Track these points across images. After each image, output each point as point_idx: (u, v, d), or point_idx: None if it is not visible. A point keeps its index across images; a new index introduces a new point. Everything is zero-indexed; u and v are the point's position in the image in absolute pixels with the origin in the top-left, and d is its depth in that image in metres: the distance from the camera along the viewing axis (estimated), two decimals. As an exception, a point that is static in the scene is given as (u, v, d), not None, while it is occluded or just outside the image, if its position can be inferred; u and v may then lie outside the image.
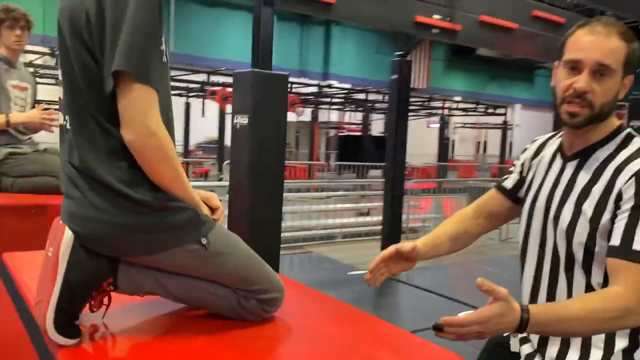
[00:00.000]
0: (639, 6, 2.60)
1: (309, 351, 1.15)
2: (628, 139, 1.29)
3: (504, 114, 16.99)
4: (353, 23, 13.44)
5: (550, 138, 1.49)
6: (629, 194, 1.19)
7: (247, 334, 1.16)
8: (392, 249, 1.33)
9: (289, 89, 5.70)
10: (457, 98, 22.83)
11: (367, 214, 9.96)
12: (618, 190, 1.22)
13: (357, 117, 19.11)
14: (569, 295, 1.31)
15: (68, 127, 1.11)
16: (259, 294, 1.18)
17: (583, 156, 1.31)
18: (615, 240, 1.20)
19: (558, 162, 1.38)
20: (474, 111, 17.16)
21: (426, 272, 6.02)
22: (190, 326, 1.19)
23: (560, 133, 1.43)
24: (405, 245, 1.29)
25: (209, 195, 1.28)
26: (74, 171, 1.07)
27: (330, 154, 18.67)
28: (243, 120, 2.43)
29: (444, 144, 17.41)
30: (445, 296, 5.03)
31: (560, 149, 1.39)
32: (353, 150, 14.88)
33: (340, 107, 17.25)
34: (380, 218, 8.84)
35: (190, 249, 1.10)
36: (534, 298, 1.39)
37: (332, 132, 20.25)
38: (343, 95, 15.83)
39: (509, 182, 1.52)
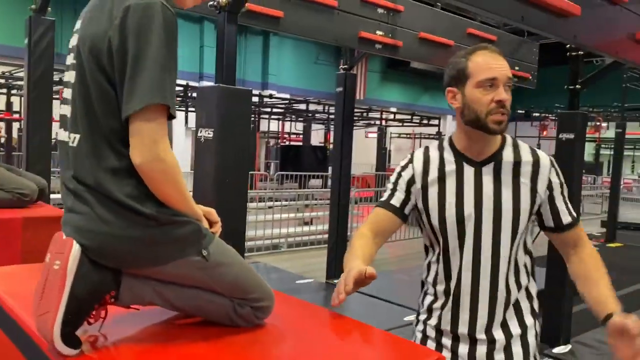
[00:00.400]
0: (566, 30, 2.87)
1: (305, 351, 1.23)
2: (514, 141, 1.61)
3: (438, 125, 17.65)
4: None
5: (428, 152, 1.63)
6: (555, 180, 1.57)
7: (243, 338, 1.23)
8: (360, 272, 1.33)
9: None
10: (393, 109, 23.48)
11: (310, 223, 10.09)
12: (547, 180, 1.56)
13: (298, 127, 19.27)
14: (508, 290, 1.54)
15: (72, 144, 1.15)
16: (254, 302, 1.26)
17: (495, 159, 1.55)
18: (566, 217, 1.59)
19: (469, 169, 1.55)
20: (410, 122, 17.72)
21: (371, 279, 6.20)
22: (186, 333, 1.25)
23: (436, 145, 1.63)
24: (367, 268, 1.34)
25: (209, 210, 1.36)
26: (81, 187, 1.11)
27: (270, 163, 18.70)
28: (208, 134, 2.48)
29: (382, 154, 17.85)
30: (391, 302, 5.21)
31: (463, 158, 1.56)
32: (294, 160, 15.01)
33: (280, 117, 17.34)
34: (323, 227, 9.01)
35: (193, 260, 1.16)
36: (474, 297, 1.53)
37: (272, 142, 20.29)
38: (284, 106, 15.93)
39: (396, 201, 1.60)
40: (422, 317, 1.65)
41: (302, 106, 16.29)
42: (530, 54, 7.23)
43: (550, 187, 1.56)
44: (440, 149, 1.62)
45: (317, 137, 19.93)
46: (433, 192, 1.57)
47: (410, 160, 1.63)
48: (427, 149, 1.65)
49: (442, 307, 1.58)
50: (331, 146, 19.30)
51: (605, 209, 12.47)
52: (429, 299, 1.63)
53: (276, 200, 10.15)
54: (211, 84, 2.96)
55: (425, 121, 17.47)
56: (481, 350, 1.54)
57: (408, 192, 1.60)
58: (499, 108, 1.47)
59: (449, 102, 1.58)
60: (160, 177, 1.10)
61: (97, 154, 1.11)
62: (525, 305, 1.59)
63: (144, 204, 1.10)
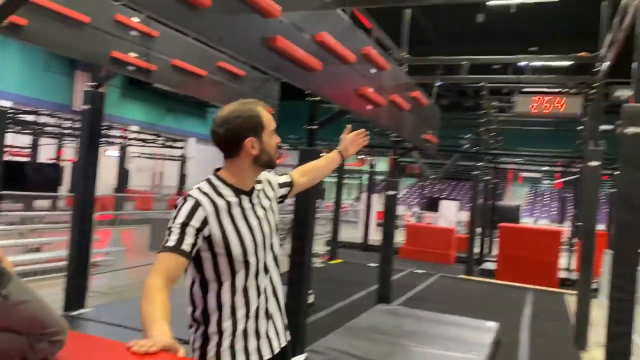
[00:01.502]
0: (311, 81, 3.35)
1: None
2: None
3: (183, 148, 17.70)
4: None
5: (208, 193, 1.76)
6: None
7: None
8: (170, 351, 1.37)
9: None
10: (135, 128, 22.65)
11: (38, 250, 9.07)
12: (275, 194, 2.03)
13: (23, 140, 17.05)
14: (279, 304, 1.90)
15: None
16: (51, 337, 1.24)
17: (256, 190, 1.90)
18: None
19: (246, 201, 1.85)
20: (154, 143, 17.36)
21: (113, 308, 5.93)
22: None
23: (206, 184, 1.80)
24: (177, 349, 1.37)
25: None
26: None
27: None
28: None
29: (123, 175, 17.03)
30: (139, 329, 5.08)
31: (237, 191, 1.82)
32: (17, 178, 13.21)
33: None
34: (56, 254, 8.21)
35: None
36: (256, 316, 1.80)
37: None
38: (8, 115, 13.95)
39: (187, 246, 1.64)
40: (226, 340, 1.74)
41: (30, 117, 14.55)
42: (273, 91, 7.95)
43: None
44: (214, 186, 1.81)
45: (45, 152, 17.95)
46: (227, 225, 1.75)
47: (197, 203, 1.72)
48: (201, 189, 1.78)
49: (244, 327, 1.77)
50: (64, 164, 17.62)
51: (328, 230, 14.17)
52: (227, 323, 1.74)
53: (-4, 224, 8.85)
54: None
55: (170, 143, 17.32)
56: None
57: (197, 235, 1.68)
58: (278, 149, 1.93)
59: (247, 150, 1.79)
60: None
61: None
62: None
63: None
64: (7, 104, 16.14)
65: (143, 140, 17.17)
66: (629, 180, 3.84)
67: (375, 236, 16.64)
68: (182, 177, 17.65)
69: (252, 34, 2.79)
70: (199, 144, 31.31)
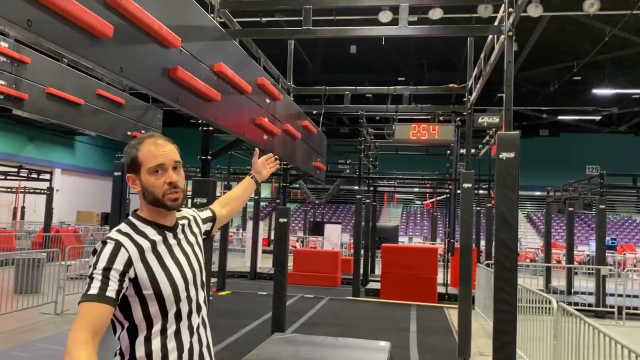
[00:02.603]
0: (210, 112, 3.27)
1: None
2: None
3: (50, 180, 16.31)
4: None
5: (127, 231, 1.68)
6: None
7: None
8: None
9: None
10: (-10, 159, 20.53)
11: None
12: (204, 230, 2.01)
13: None
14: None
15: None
16: None
17: (180, 225, 1.83)
18: None
19: (171, 237, 1.77)
20: (17, 175, 15.81)
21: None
22: None
23: (128, 224, 1.72)
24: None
25: None
26: None
27: None
28: None
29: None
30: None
31: (160, 227, 1.75)
32: None
33: None
34: None
35: None
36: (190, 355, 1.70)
37: None
38: None
39: (111, 292, 1.53)
40: None
41: None
42: (155, 119, 7.67)
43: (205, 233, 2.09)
44: (134, 225, 1.71)
45: None
46: (154, 264, 1.66)
47: (118, 245, 1.61)
48: (121, 230, 1.68)
49: None
50: None
51: (214, 260, 13.81)
52: None
53: None
54: None
55: (34, 175, 15.88)
56: None
57: (122, 279, 1.57)
58: (172, 188, 1.72)
59: (130, 186, 1.76)
60: None
61: None
62: None
63: None
64: None
65: (3, 173, 15.56)
66: (504, 199, 4.24)
67: (264, 264, 16.54)
68: (50, 212, 16.21)
69: (152, 64, 2.69)
70: (65, 174, 29.14)
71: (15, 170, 15.71)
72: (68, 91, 5.68)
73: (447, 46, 17.89)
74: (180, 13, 2.99)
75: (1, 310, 7.75)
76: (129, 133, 6.89)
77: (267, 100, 4.52)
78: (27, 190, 20.92)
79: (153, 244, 1.69)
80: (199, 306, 1.77)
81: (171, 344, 1.65)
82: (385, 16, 6.20)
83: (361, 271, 12.71)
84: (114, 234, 1.66)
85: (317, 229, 22.50)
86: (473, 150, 14.58)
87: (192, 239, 1.86)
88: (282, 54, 7.37)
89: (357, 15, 13.30)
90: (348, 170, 17.70)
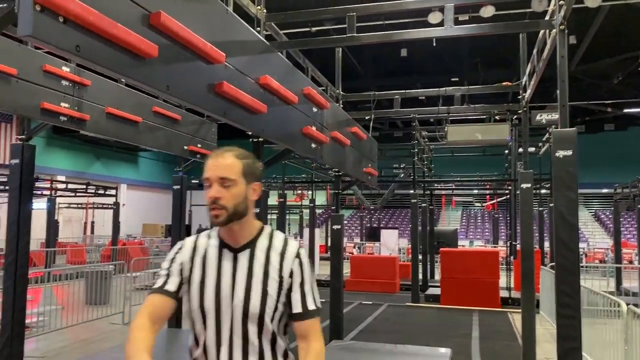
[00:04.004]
0: (256, 124, 3.33)
1: None
2: (272, 231, 1.79)
3: (115, 195, 17.07)
4: None
5: (198, 238, 1.78)
6: (296, 271, 1.70)
7: None
8: None
9: None
10: (62, 177, 21.70)
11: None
12: (290, 270, 1.70)
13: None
14: None
15: None
16: None
17: (251, 247, 1.72)
18: (297, 309, 1.69)
19: (228, 254, 1.72)
20: (85, 192, 16.63)
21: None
22: None
23: (209, 232, 1.80)
24: None
25: None
26: None
27: None
28: None
29: (53, 228, 16.12)
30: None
31: (223, 244, 1.74)
32: None
33: None
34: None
35: None
36: None
37: None
38: None
39: (172, 286, 1.69)
40: None
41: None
42: (211, 133, 7.88)
43: (291, 275, 1.70)
44: (208, 236, 1.77)
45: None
46: (196, 276, 1.70)
47: (182, 246, 1.76)
48: (197, 236, 1.78)
49: None
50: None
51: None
52: None
53: None
54: None
55: (101, 191, 16.66)
56: None
57: (181, 275, 1.72)
58: (212, 204, 1.65)
59: None
60: None
61: None
62: None
63: None
64: None
65: (72, 190, 16.41)
66: (562, 199, 4.07)
67: (322, 271, 16.59)
68: (116, 225, 16.95)
69: (198, 81, 2.77)
70: (130, 190, 30.38)
71: (84, 187, 16.52)
72: (126, 110, 5.93)
73: (502, 43, 17.43)
74: (223, 29, 3.07)
75: (73, 321, 8.16)
76: (185, 147, 7.11)
77: (314, 109, 4.55)
78: (95, 206, 21.98)
79: (205, 257, 1.73)
80: (231, 339, 1.67)
81: (198, 353, 1.72)
82: (435, 17, 6.13)
83: (420, 277, 12.52)
84: (190, 238, 1.79)
85: (373, 235, 22.36)
86: (533, 149, 14.11)
87: (258, 264, 1.71)
88: (334, 63, 7.40)
89: (406, 18, 13.20)
90: (402, 175, 17.51)
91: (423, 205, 13.97)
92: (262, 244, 1.73)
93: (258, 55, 3.52)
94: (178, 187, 8.02)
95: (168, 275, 1.72)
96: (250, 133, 4.51)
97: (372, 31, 5.34)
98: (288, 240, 1.77)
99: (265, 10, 4.85)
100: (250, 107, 3.26)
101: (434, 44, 14.92)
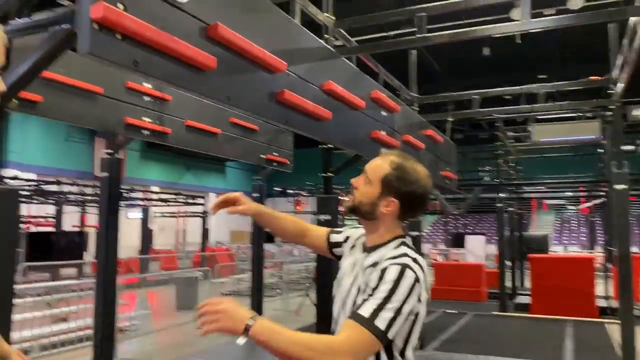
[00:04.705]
0: (321, 130, 3.32)
1: None
2: (400, 244, 1.69)
3: (204, 204, 17.82)
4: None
5: (358, 232, 1.94)
6: (374, 279, 1.57)
7: None
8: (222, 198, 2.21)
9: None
10: (155, 188, 22.97)
11: (65, 319, 9.02)
12: (370, 277, 1.61)
13: (47, 210, 17.34)
14: None
15: None
16: None
17: (373, 250, 1.73)
18: (354, 308, 1.61)
19: (360, 253, 1.82)
20: (175, 201, 17.51)
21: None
22: None
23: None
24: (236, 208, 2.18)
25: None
26: None
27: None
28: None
29: (147, 236, 17.10)
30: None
31: (364, 243, 1.84)
32: (44, 248, 13.33)
33: (26, 199, 15.42)
34: (85, 322, 8.15)
35: None
36: None
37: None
38: (32, 187, 14.25)
39: (335, 238, 1.99)
40: None
41: (53, 187, 14.82)
42: (287, 142, 7.99)
43: (369, 282, 1.60)
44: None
45: (70, 220, 18.22)
46: (346, 251, 1.93)
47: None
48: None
49: None
50: (88, 230, 17.82)
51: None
52: None
53: (22, 297, 8.85)
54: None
55: (190, 200, 17.46)
56: None
57: (346, 241, 1.93)
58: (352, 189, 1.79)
59: None
60: None
61: None
62: None
63: None
64: (32, 176, 16.54)
65: (164, 200, 17.34)
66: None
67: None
68: (205, 233, 17.68)
69: (259, 90, 2.80)
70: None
71: (174, 196, 17.39)
72: (205, 122, 6.16)
73: (594, 39, 16.36)
74: (284, 37, 3.08)
75: (165, 326, 8.57)
76: (262, 156, 7.26)
77: (384, 113, 4.47)
78: (186, 214, 23.08)
79: (356, 245, 1.89)
80: (343, 315, 1.76)
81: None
82: (516, 13, 5.86)
83: (509, 284, 11.94)
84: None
85: (457, 241, 21.68)
86: (632, 147, 13.04)
87: (370, 269, 1.69)
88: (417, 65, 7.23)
89: (486, 16, 12.73)
90: (487, 178, 16.86)
91: (510, 209, 13.35)
92: (381, 252, 1.70)
93: (321, 62, 3.50)
94: (258, 195, 8.20)
95: (340, 232, 2.03)
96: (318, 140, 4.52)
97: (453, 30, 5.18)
98: (400, 255, 1.63)
99: (334, 17, 4.85)
100: (313, 114, 3.25)
101: (518, 41, 14.28)
